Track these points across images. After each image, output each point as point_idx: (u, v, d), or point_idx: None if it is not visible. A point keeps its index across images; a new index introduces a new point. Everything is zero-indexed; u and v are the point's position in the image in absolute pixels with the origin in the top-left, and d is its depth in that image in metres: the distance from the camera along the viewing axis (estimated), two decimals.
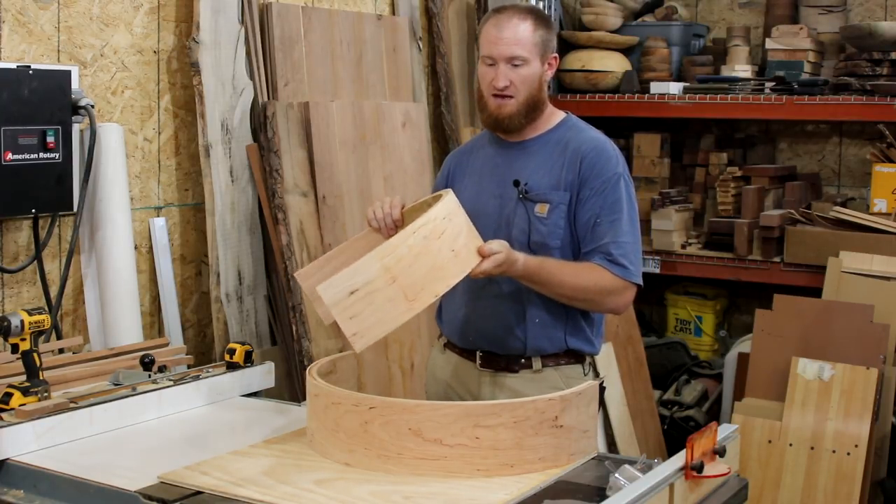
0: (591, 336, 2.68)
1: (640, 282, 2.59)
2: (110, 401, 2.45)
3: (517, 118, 2.62)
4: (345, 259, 2.52)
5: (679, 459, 2.07)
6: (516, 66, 2.58)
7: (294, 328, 3.40)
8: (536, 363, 2.63)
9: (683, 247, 4.73)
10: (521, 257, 2.44)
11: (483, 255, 2.33)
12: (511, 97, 2.59)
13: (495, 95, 2.60)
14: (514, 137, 2.69)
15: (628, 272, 2.54)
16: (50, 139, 2.90)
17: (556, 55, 2.68)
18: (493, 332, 2.63)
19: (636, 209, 2.63)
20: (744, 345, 4.47)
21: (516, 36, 2.58)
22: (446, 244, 2.26)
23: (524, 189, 2.59)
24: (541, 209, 2.58)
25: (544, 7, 4.94)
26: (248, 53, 3.49)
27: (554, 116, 2.72)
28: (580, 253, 2.60)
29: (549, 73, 2.66)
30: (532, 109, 2.63)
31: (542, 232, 2.58)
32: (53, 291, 3.02)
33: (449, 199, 2.35)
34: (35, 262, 2.97)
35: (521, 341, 2.61)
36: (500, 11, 2.64)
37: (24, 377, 2.40)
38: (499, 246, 2.38)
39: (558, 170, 2.61)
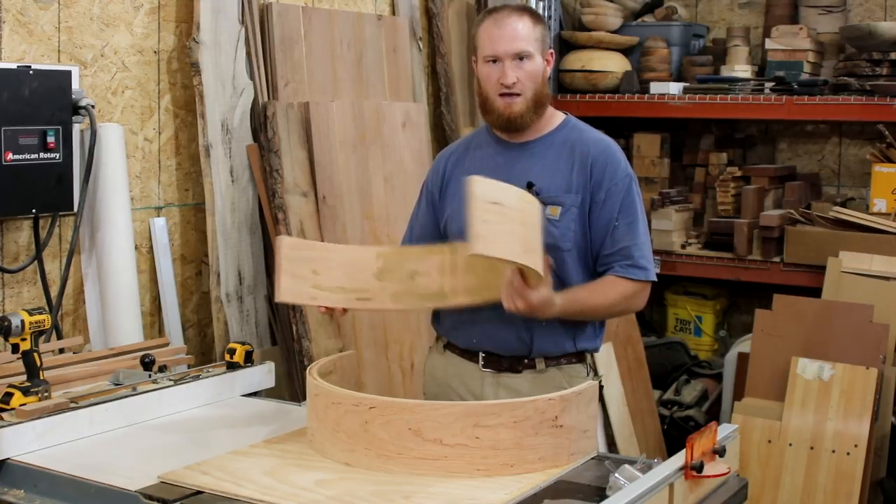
0: (596, 334, 2.69)
1: (656, 278, 2.67)
2: (110, 401, 2.45)
3: (527, 115, 2.61)
4: (329, 256, 2.55)
5: (679, 459, 2.07)
6: (521, 60, 2.57)
7: (294, 328, 3.40)
8: (540, 364, 2.63)
9: (683, 247, 4.74)
10: (558, 300, 2.47)
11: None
12: (519, 94, 2.58)
13: (503, 94, 2.58)
14: (516, 138, 2.68)
15: (648, 273, 2.62)
16: (50, 139, 2.90)
17: (552, 51, 2.68)
18: (498, 334, 2.62)
19: (643, 206, 2.68)
20: (744, 345, 4.47)
21: (518, 32, 2.57)
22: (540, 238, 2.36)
23: (536, 191, 2.58)
24: (553, 211, 2.57)
25: (544, 7, 4.94)
26: (248, 53, 3.49)
27: (554, 118, 2.71)
28: (598, 255, 2.61)
29: (549, 69, 2.67)
30: (539, 105, 2.62)
31: (555, 235, 2.56)
32: (54, 291, 3.02)
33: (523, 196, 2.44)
34: (35, 262, 2.97)
35: (527, 344, 2.61)
36: (496, 11, 2.63)
37: (24, 377, 2.40)
38: (543, 287, 2.41)
39: (567, 172, 2.60)
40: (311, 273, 2.50)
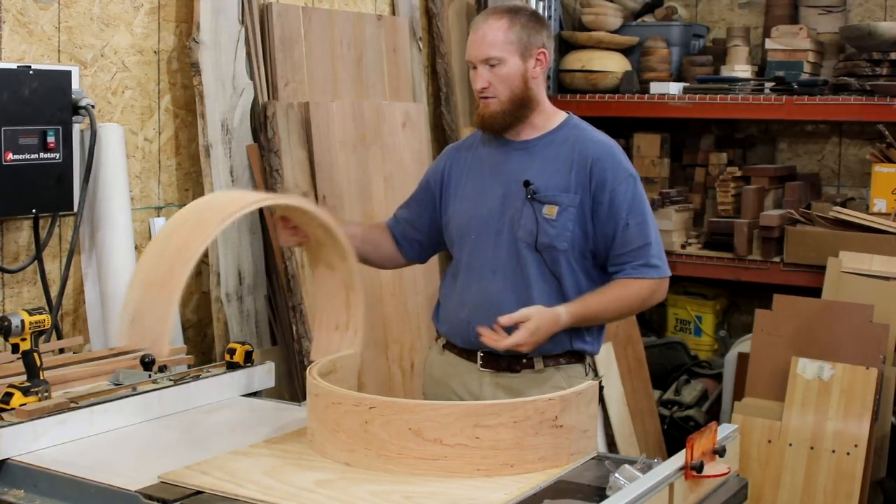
0: (593, 336, 2.68)
1: (670, 272, 2.68)
2: (110, 401, 2.45)
3: (500, 117, 2.65)
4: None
5: (679, 459, 2.07)
6: (493, 66, 2.62)
7: (294, 328, 3.40)
8: (538, 363, 2.63)
9: (683, 247, 4.74)
10: (563, 311, 2.52)
11: (509, 324, 2.45)
12: (492, 97, 2.63)
13: (479, 97, 2.65)
14: (514, 136, 2.69)
15: (661, 270, 2.63)
16: (50, 139, 2.90)
17: (544, 50, 2.67)
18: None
19: (649, 204, 2.69)
20: (744, 345, 4.48)
21: (488, 37, 2.62)
22: (185, 229, 2.25)
23: (533, 190, 2.60)
24: (549, 211, 2.58)
25: (544, 7, 4.94)
26: (248, 53, 3.49)
27: (556, 116, 2.72)
28: (608, 256, 2.62)
29: (539, 70, 2.66)
30: (519, 107, 2.65)
31: (550, 234, 2.58)
32: (54, 291, 3.02)
33: (175, 216, 2.35)
34: (35, 262, 2.97)
35: None
36: (481, 15, 2.71)
37: (24, 377, 2.40)
38: (526, 313, 2.46)
39: (566, 171, 2.61)
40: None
